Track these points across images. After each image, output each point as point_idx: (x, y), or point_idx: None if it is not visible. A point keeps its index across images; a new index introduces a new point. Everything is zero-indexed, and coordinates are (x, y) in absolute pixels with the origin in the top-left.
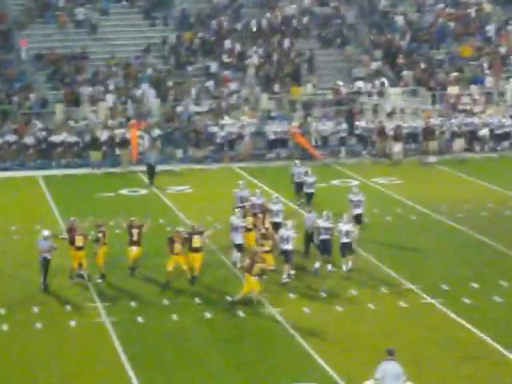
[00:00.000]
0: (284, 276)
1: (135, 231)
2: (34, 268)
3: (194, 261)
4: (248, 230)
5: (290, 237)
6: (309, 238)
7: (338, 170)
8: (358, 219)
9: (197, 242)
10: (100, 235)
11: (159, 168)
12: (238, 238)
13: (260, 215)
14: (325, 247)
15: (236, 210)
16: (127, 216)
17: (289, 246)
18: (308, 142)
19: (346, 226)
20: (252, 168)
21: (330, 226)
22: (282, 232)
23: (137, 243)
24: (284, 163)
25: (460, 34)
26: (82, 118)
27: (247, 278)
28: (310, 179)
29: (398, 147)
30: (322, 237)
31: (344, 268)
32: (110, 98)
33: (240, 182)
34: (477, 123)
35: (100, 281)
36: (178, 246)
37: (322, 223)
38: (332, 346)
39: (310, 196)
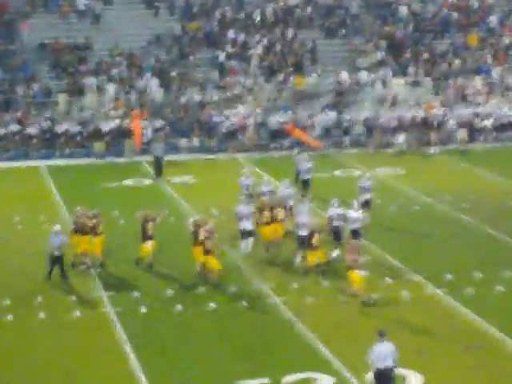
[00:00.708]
0: (297, 260)
1: (150, 225)
2: (38, 258)
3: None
4: (267, 223)
5: (306, 223)
6: None
7: (341, 161)
8: (366, 204)
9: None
10: (94, 223)
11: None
12: (248, 225)
13: (279, 208)
14: (336, 234)
15: (241, 198)
16: (131, 206)
17: (305, 232)
18: (304, 133)
19: (356, 213)
20: (256, 158)
21: (343, 212)
22: (299, 218)
23: (151, 237)
24: (287, 153)
25: (463, 24)
26: (85, 108)
27: (352, 274)
28: (306, 166)
29: (401, 137)
30: (335, 223)
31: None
32: (113, 88)
33: (245, 170)
34: (480, 113)
35: (99, 270)
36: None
37: (333, 210)
38: (336, 336)
39: (306, 183)
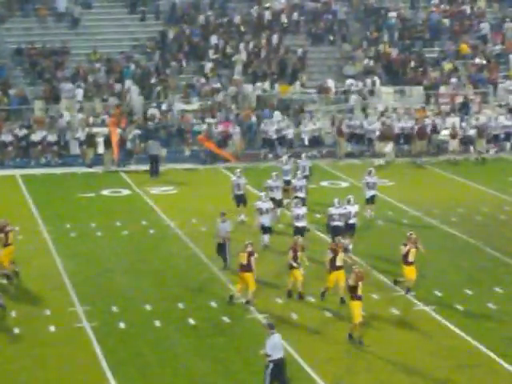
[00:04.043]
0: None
1: (300, 254)
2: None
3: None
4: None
5: (304, 214)
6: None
7: (329, 171)
8: (371, 200)
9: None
10: (2, 235)
11: (142, 168)
12: (267, 221)
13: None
14: (335, 233)
15: (261, 194)
16: (108, 217)
17: (303, 223)
18: (215, 145)
19: (353, 208)
20: (238, 168)
21: (345, 211)
22: (296, 210)
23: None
24: (273, 163)
25: (455, 31)
26: (61, 115)
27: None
28: (286, 167)
29: (389, 147)
30: (336, 223)
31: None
32: (81, 93)
33: (237, 170)
34: (471, 124)
35: (5, 281)
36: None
37: (335, 210)
38: (319, 353)
39: (285, 183)
